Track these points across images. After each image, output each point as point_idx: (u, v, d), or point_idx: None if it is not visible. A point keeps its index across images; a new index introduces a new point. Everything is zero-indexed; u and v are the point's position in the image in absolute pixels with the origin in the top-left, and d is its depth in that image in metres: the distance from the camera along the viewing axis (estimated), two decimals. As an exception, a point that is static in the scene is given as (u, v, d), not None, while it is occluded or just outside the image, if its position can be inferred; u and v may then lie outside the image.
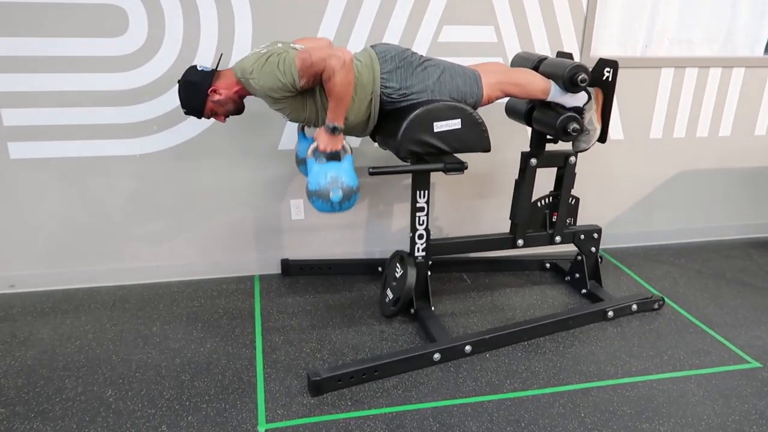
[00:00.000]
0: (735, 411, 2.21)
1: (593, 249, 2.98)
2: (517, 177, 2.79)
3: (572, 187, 2.82)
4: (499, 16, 2.95)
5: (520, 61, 2.71)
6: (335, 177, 2.28)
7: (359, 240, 3.28)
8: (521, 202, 2.77)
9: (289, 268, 3.18)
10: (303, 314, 2.81)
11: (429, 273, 2.73)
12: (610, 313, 2.78)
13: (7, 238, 2.89)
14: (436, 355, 2.43)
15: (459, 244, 2.81)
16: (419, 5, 2.85)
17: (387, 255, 3.05)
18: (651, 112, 3.34)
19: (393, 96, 2.34)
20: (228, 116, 2.43)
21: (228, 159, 2.95)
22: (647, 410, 2.20)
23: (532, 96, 2.52)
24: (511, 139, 3.17)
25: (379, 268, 3.21)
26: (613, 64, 2.51)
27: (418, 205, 2.58)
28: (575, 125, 2.47)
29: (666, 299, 2.99)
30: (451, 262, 3.23)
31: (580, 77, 2.40)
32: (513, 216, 2.83)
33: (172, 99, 2.78)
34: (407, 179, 3.16)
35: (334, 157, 2.31)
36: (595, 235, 2.95)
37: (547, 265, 3.31)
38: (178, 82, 2.33)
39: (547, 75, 2.52)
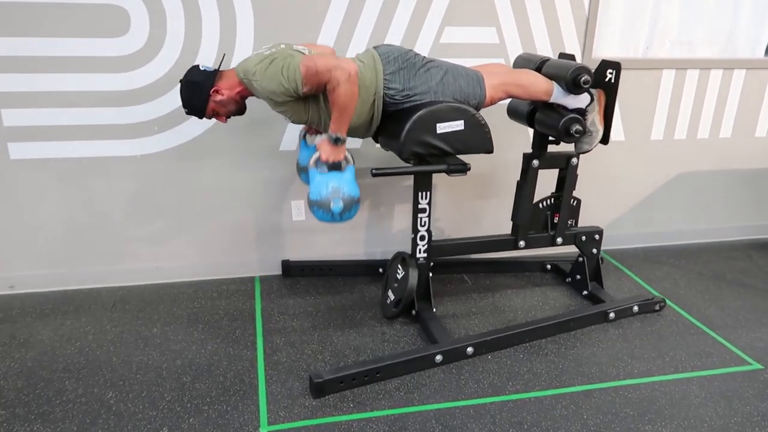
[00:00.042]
0: (737, 413, 2.21)
1: (594, 250, 2.98)
2: (518, 178, 2.79)
3: (574, 189, 2.81)
4: (501, 18, 2.94)
5: (522, 62, 2.71)
6: (337, 187, 2.28)
7: (360, 241, 3.27)
8: (523, 204, 2.77)
9: (290, 269, 3.17)
10: (304, 315, 2.80)
11: (430, 274, 2.73)
12: (612, 315, 2.78)
13: (7, 239, 2.88)
14: (438, 357, 2.43)
15: (461, 245, 2.80)
16: (421, 6, 2.84)
17: (388, 256, 3.04)
18: (652, 114, 3.34)
19: (396, 97, 2.34)
20: (229, 117, 2.42)
21: (229, 160, 2.94)
22: (650, 412, 2.20)
23: (535, 97, 2.52)
24: (513, 140, 3.17)
25: (380, 270, 3.20)
26: (616, 66, 2.51)
27: (420, 206, 2.57)
28: (578, 127, 2.47)
29: (667, 301, 2.99)
30: (451, 264, 3.23)
31: (583, 79, 2.40)
32: (514, 217, 2.82)
33: (173, 99, 2.77)
34: (408, 180, 3.16)
35: (336, 167, 2.31)
36: (597, 237, 2.95)
37: (548, 266, 3.31)
38: (180, 81, 2.32)
39: (550, 76, 2.52)
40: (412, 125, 2.28)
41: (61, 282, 2.99)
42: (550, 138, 2.73)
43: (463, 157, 2.45)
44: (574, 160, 2.75)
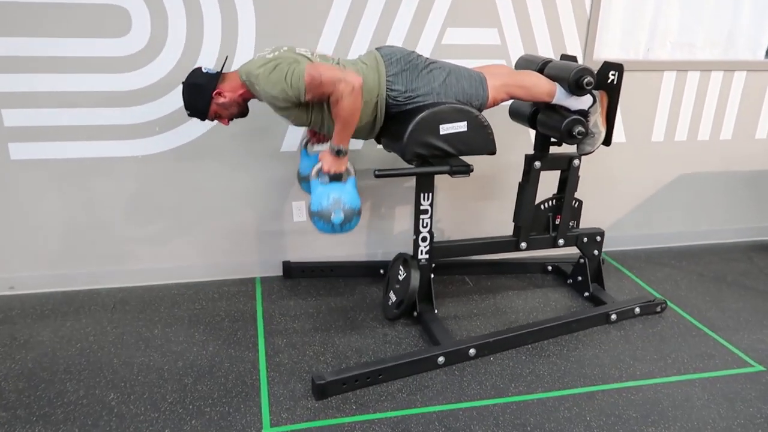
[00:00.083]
0: (740, 415, 2.21)
1: (596, 252, 2.98)
2: (520, 180, 2.79)
3: (576, 190, 2.81)
4: (503, 19, 2.94)
5: (524, 63, 2.71)
6: (338, 199, 2.29)
7: (361, 242, 3.27)
8: (525, 205, 2.77)
9: (291, 270, 3.16)
10: (305, 317, 2.80)
11: (432, 276, 2.72)
12: (613, 317, 2.78)
13: (7, 239, 2.87)
14: (441, 359, 2.42)
15: (463, 246, 2.80)
16: (423, 7, 2.84)
17: (389, 257, 3.04)
18: (653, 115, 3.34)
19: (398, 99, 2.33)
20: (232, 119, 2.41)
21: (230, 160, 2.93)
22: (653, 414, 2.20)
23: (538, 98, 2.52)
24: (515, 141, 3.17)
25: (381, 271, 3.19)
26: (618, 67, 2.51)
27: (422, 207, 2.57)
28: (581, 128, 2.47)
29: (668, 302, 2.99)
30: (452, 265, 3.22)
31: (586, 80, 2.40)
32: (516, 219, 2.82)
33: (174, 100, 2.76)
34: (409, 181, 3.16)
35: (337, 178, 2.31)
36: (598, 238, 2.95)
37: (549, 267, 3.31)
38: (183, 84, 2.31)
39: (553, 78, 2.52)
40: (415, 126, 2.28)
41: (61, 283, 2.98)
42: (552, 139, 2.73)
43: (466, 158, 2.44)
44: (576, 161, 2.75)
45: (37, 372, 2.35)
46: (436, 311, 2.73)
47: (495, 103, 2.46)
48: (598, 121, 2.55)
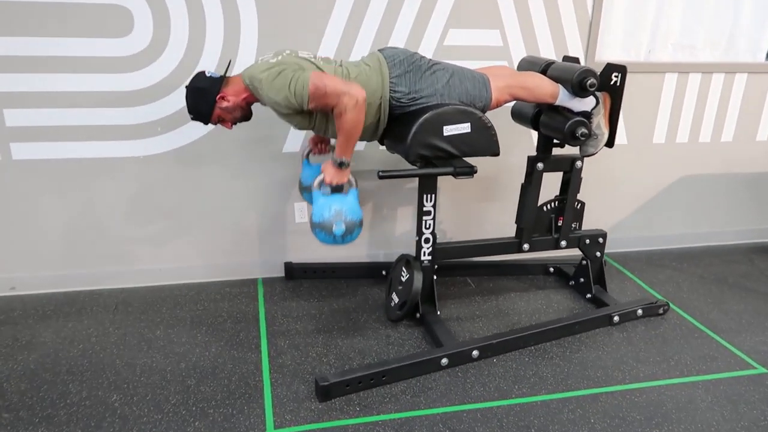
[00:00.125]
0: (744, 417, 2.21)
1: (598, 254, 2.98)
2: (522, 181, 2.79)
3: (578, 192, 2.81)
4: (505, 20, 2.94)
5: (527, 65, 2.71)
6: (339, 210, 2.29)
7: (363, 243, 3.26)
8: (527, 207, 2.76)
9: (293, 271, 3.16)
10: (308, 318, 2.79)
11: (435, 277, 2.72)
12: (616, 318, 2.78)
13: (9, 240, 2.86)
14: (444, 360, 2.42)
15: (465, 248, 2.79)
16: (425, 8, 2.84)
17: (390, 259, 3.04)
18: (654, 117, 3.34)
19: (402, 100, 2.33)
20: (235, 123, 2.40)
21: (232, 161, 2.93)
22: (657, 416, 2.19)
23: (541, 100, 2.52)
24: (517, 143, 3.17)
25: (383, 272, 3.19)
26: (622, 69, 2.51)
27: (425, 208, 2.57)
28: (584, 130, 2.47)
29: (670, 304, 2.99)
30: (454, 266, 3.22)
31: (589, 82, 2.40)
32: (519, 220, 2.82)
33: (176, 100, 2.75)
34: (411, 183, 3.15)
35: (339, 189, 2.31)
36: (601, 240, 2.95)
37: (551, 269, 3.31)
38: (186, 87, 2.30)
39: (556, 79, 2.52)
40: (419, 128, 2.28)
41: (62, 283, 2.97)
42: (555, 141, 2.73)
43: (468, 160, 2.44)
44: (579, 163, 2.75)
45: (40, 373, 2.34)
46: (438, 313, 2.73)
47: (498, 105, 2.46)
48: (601, 122, 2.55)
